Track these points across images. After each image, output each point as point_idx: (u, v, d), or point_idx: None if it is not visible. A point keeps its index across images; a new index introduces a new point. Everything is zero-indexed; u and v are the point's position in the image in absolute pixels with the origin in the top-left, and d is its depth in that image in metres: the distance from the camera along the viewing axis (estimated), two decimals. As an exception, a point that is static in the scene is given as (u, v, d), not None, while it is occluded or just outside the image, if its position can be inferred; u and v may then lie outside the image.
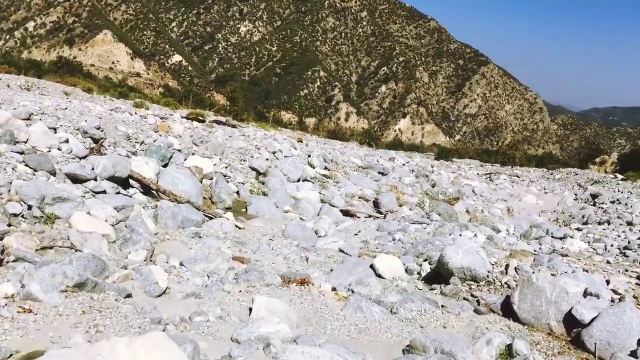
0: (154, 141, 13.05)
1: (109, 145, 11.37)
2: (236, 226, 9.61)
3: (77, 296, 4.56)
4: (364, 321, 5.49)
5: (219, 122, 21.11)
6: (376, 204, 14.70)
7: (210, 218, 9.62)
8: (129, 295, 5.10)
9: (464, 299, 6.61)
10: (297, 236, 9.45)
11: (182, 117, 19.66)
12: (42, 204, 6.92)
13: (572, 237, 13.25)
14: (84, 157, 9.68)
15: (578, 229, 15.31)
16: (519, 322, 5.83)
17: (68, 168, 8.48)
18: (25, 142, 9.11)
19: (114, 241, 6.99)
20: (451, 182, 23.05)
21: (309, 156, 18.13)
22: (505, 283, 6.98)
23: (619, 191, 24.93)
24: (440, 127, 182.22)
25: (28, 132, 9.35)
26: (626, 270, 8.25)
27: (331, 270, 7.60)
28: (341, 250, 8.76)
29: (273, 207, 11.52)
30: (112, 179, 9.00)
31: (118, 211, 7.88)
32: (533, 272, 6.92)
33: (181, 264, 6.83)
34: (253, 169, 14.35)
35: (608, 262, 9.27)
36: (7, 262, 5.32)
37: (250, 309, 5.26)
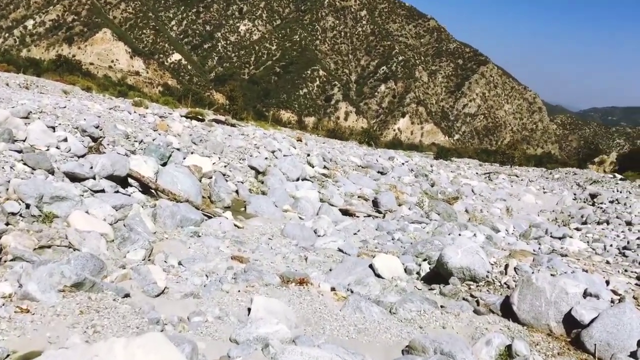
0: (153, 140, 13.03)
1: (108, 144, 11.35)
2: (235, 225, 9.60)
3: (75, 296, 4.54)
4: (363, 321, 5.47)
5: (218, 121, 21.10)
6: (375, 204, 14.69)
7: (209, 217, 9.60)
8: (127, 295, 5.08)
9: (464, 299, 6.60)
10: (296, 235, 9.43)
11: (182, 116, 19.64)
12: (41, 202, 6.89)
13: (571, 237, 13.25)
14: (83, 156, 9.65)
15: (577, 229, 15.32)
16: (518, 323, 5.81)
17: (66, 167, 8.46)
18: (24, 141, 9.07)
19: (113, 240, 6.96)
20: (450, 181, 23.06)
21: (308, 155, 18.11)
22: (505, 283, 6.96)
23: (618, 191, 24.95)
24: (440, 127, 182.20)
25: (27, 131, 9.31)
26: (625, 271, 8.24)
27: (330, 270, 7.58)
28: (340, 250, 8.75)
29: (272, 206, 11.50)
30: (110, 177, 8.99)
31: (117, 210, 7.86)
32: (532, 273, 6.91)
33: (180, 263, 6.81)
34: (252, 168, 14.33)
35: (607, 262, 9.26)
36: (5, 262, 5.29)
37: (249, 309, 5.24)
